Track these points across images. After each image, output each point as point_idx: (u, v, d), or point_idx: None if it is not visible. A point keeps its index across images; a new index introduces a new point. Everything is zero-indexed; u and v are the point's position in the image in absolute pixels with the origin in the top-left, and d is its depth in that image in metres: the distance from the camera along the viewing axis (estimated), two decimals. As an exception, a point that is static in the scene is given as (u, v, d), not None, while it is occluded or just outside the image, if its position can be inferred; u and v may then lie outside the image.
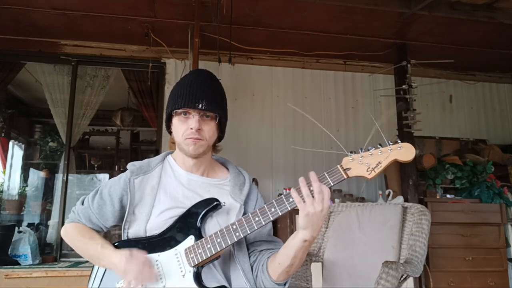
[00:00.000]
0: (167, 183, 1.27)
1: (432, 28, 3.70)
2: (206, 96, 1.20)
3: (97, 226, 1.29)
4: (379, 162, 1.06)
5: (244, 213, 1.25)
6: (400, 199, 3.49)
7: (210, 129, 1.23)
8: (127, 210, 1.23)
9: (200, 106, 1.18)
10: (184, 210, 1.20)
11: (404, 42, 4.00)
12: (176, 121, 1.23)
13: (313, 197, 1.04)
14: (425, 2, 3.22)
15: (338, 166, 1.08)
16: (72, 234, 1.26)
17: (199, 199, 1.21)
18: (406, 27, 3.70)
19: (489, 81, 4.83)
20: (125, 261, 1.10)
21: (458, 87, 4.73)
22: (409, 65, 3.85)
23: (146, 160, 1.33)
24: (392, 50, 4.06)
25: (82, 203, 1.31)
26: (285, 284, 1.16)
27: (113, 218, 1.27)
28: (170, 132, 1.29)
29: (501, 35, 3.78)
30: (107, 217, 1.27)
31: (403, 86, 3.81)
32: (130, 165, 1.30)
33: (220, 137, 1.32)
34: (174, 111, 1.22)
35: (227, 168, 1.37)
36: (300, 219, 1.06)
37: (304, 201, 1.04)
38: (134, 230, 1.22)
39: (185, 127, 1.21)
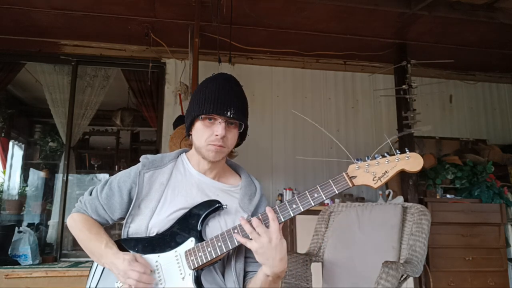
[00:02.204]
0: (177, 181, 1.26)
1: (432, 28, 3.70)
2: (234, 104, 1.19)
3: (103, 219, 1.27)
4: (386, 172, 1.02)
5: None
6: (400, 199, 3.49)
7: (232, 136, 1.22)
8: (133, 203, 1.22)
9: (228, 113, 1.17)
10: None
11: (404, 42, 4.00)
12: (200, 126, 1.20)
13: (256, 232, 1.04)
14: (425, 2, 3.22)
15: (344, 173, 1.05)
16: (79, 225, 1.24)
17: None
18: (406, 27, 3.70)
19: (489, 81, 4.83)
20: (128, 264, 1.09)
21: (458, 87, 4.73)
22: (409, 65, 3.85)
23: (160, 155, 1.31)
24: (392, 50, 4.06)
25: (90, 194, 1.29)
26: None
27: (120, 210, 1.26)
28: (189, 135, 1.27)
29: (501, 35, 3.78)
30: (115, 209, 1.25)
31: (403, 86, 3.81)
32: (143, 158, 1.29)
33: (238, 143, 1.31)
34: (200, 116, 1.19)
35: (239, 175, 1.36)
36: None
37: (250, 239, 1.05)
38: (136, 225, 1.20)
39: (209, 133, 1.19)
